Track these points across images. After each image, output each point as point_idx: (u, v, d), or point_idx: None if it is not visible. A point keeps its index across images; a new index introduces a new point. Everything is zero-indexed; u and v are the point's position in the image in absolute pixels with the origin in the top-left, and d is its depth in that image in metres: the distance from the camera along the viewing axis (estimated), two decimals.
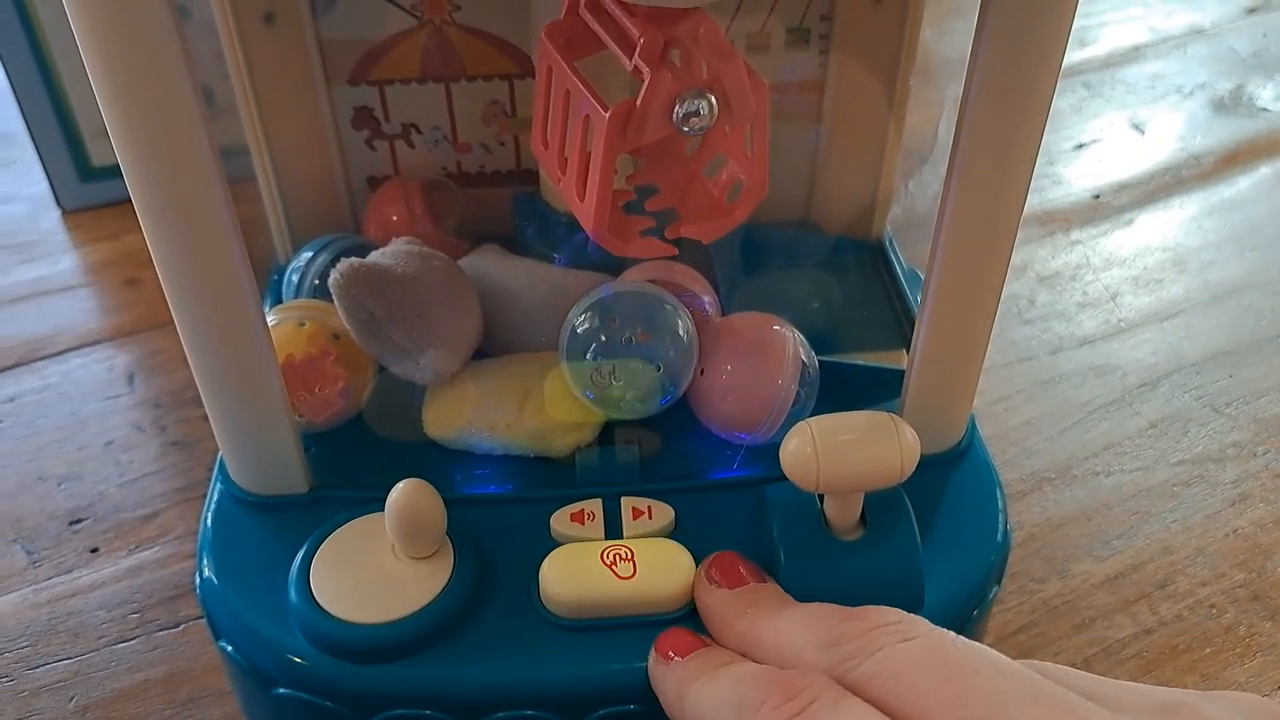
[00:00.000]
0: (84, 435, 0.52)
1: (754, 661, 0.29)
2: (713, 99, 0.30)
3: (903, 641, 0.27)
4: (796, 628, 0.29)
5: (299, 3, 0.41)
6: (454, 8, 0.42)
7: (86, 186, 0.65)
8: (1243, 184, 0.69)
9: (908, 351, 0.37)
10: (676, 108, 0.30)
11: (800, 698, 0.26)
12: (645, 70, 0.30)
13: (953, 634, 0.27)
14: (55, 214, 0.66)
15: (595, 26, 0.32)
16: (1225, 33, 0.84)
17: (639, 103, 0.30)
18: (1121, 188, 0.69)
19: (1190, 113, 0.75)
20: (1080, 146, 0.72)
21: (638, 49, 0.30)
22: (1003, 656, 0.26)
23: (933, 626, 0.27)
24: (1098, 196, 0.68)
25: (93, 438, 0.52)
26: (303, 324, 0.38)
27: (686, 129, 0.31)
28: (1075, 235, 0.65)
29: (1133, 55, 0.81)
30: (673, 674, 0.30)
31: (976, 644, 0.27)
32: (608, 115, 0.30)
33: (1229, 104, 0.76)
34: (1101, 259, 0.63)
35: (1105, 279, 0.62)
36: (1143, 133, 0.73)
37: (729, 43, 0.30)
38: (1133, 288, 0.61)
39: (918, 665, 0.26)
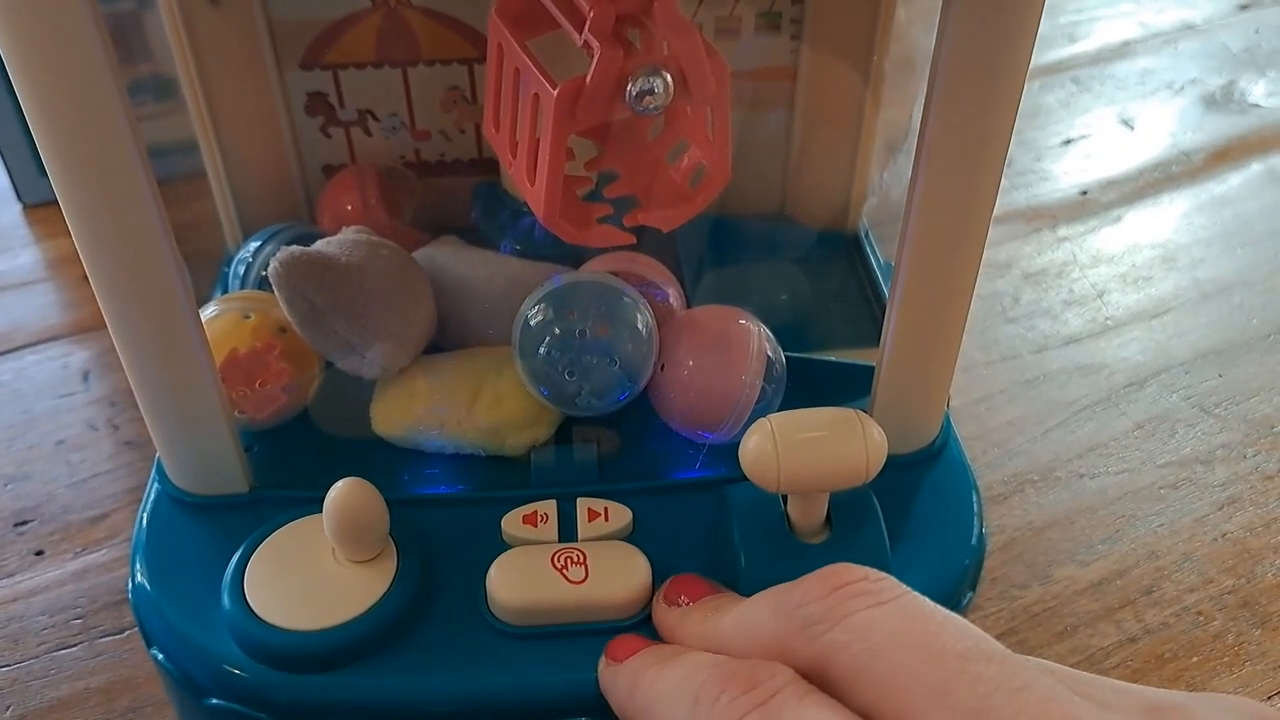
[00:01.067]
0: (35, 434, 0.50)
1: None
2: (668, 77, 0.29)
3: (875, 606, 0.24)
4: (756, 604, 0.27)
5: None
6: None
7: (47, 180, 0.63)
8: (1233, 181, 0.67)
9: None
10: (629, 86, 0.29)
11: (762, 688, 0.24)
12: (595, 45, 0.28)
13: (925, 600, 0.25)
14: (16, 208, 0.64)
15: (546, 1, 0.31)
16: (1216, 28, 0.82)
17: (588, 80, 0.28)
18: (1110, 184, 0.67)
19: (1181, 109, 0.74)
20: (1068, 142, 0.70)
21: (587, 23, 0.28)
22: (984, 634, 0.24)
23: (903, 588, 0.25)
24: (1085, 193, 0.66)
25: (43, 436, 0.50)
26: (247, 316, 0.36)
27: (641, 109, 0.29)
28: (1062, 232, 0.63)
29: (1123, 50, 0.80)
30: (624, 671, 0.28)
31: (954, 615, 0.24)
32: (555, 93, 0.29)
33: (1220, 100, 0.74)
34: (1089, 256, 0.61)
35: (1092, 276, 0.60)
36: (1132, 129, 0.72)
37: (686, 19, 0.29)
38: (1120, 285, 0.59)
39: (895, 640, 0.24)
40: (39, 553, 0.45)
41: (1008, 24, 0.27)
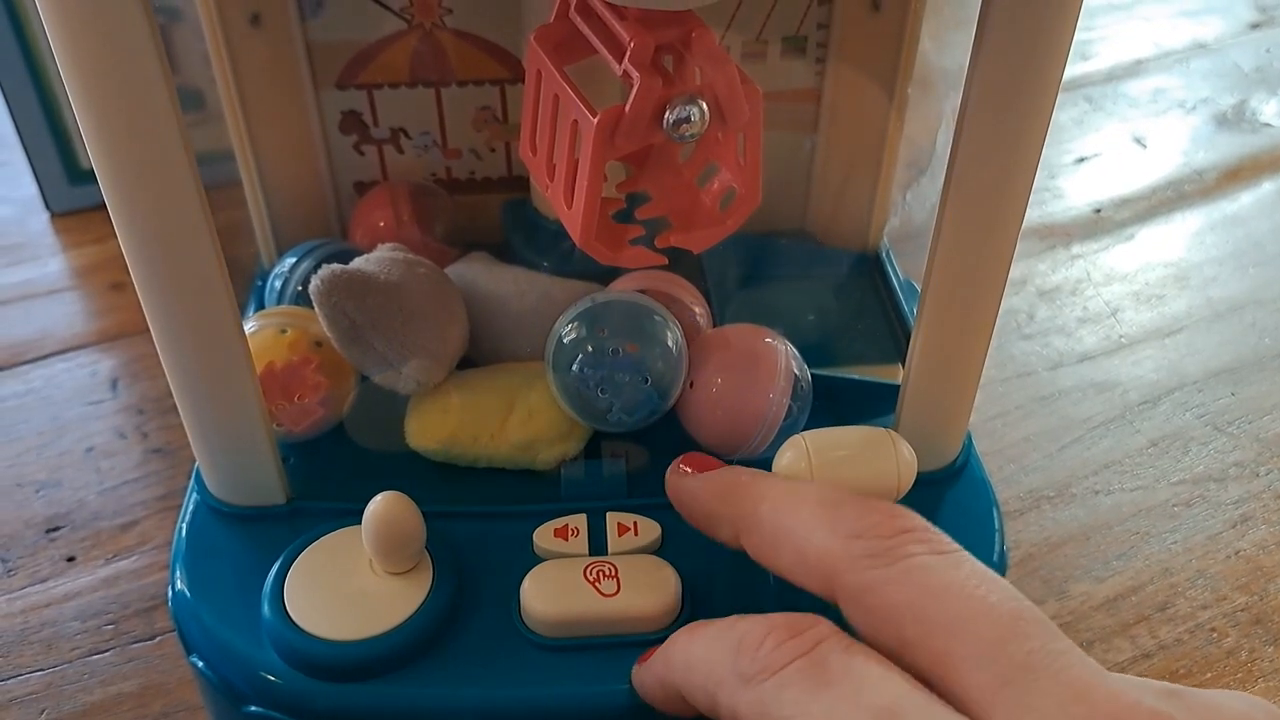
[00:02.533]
0: (65, 441, 0.51)
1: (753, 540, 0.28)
2: (704, 105, 0.30)
3: (934, 554, 0.25)
4: (809, 509, 0.27)
5: (286, 4, 0.40)
6: (445, 11, 0.41)
7: (75, 189, 0.64)
8: (1245, 199, 0.68)
9: (903, 365, 0.36)
10: (667, 114, 0.30)
11: (806, 636, 0.24)
12: (635, 75, 0.29)
13: (976, 559, 0.26)
14: (43, 216, 0.65)
15: (585, 30, 0.31)
16: (1228, 47, 0.83)
17: (628, 108, 0.29)
18: (1123, 202, 0.68)
19: (1192, 127, 0.74)
20: (1081, 160, 0.71)
21: (627, 53, 0.29)
22: (1026, 598, 0.25)
23: (956, 545, 0.26)
24: (1099, 210, 0.67)
25: (73, 443, 0.51)
26: (284, 331, 0.37)
27: (677, 136, 0.30)
28: (1076, 249, 0.64)
29: (1135, 69, 0.80)
30: (656, 654, 0.29)
31: (1000, 577, 0.25)
32: (596, 121, 0.29)
33: (1231, 119, 0.75)
34: (1102, 274, 0.62)
35: (1106, 294, 0.61)
36: (1144, 147, 0.73)
37: (722, 48, 0.30)
38: (1134, 303, 0.60)
39: (953, 589, 0.24)
40: (71, 559, 0.46)
41: (1039, 49, 0.28)
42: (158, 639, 0.43)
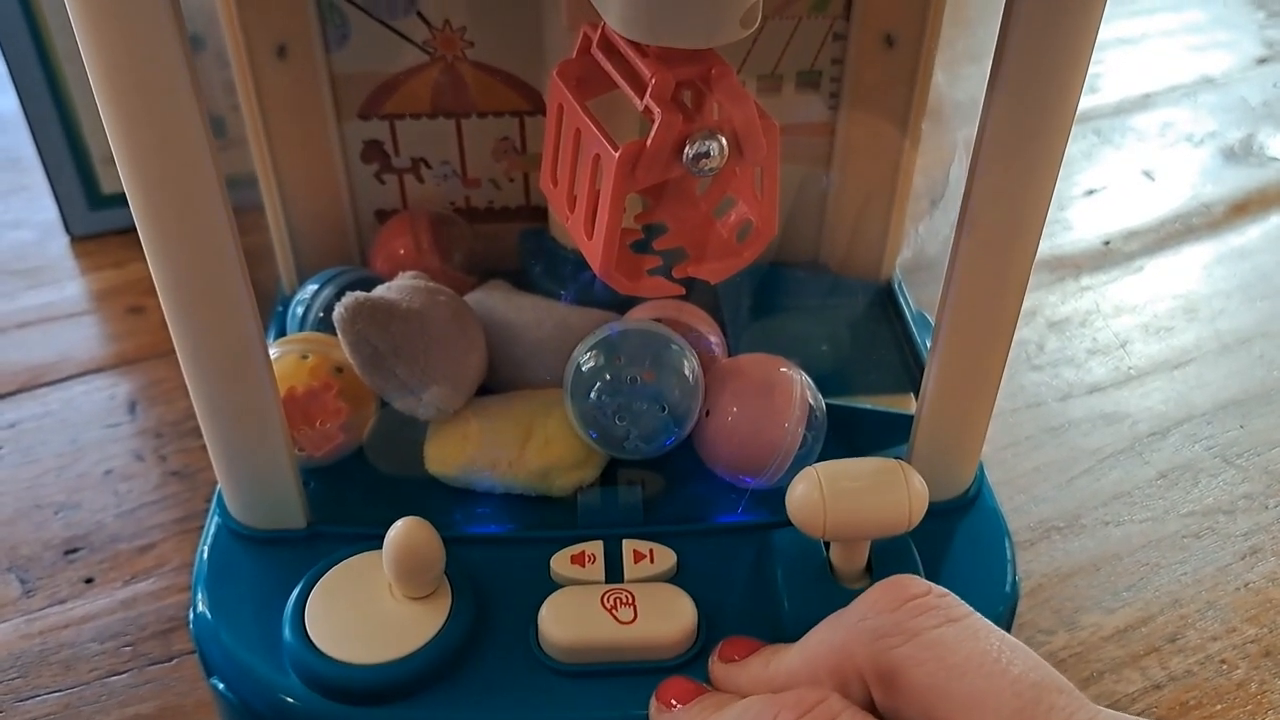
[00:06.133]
0: (83, 463, 0.51)
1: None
2: (723, 140, 0.30)
3: (947, 624, 0.25)
4: (817, 630, 0.28)
5: (311, 36, 0.41)
6: (467, 44, 0.42)
7: (95, 214, 0.65)
8: (1253, 233, 0.69)
9: (916, 396, 0.37)
10: (687, 148, 0.30)
11: (817, 712, 0.25)
12: (656, 111, 0.30)
13: (988, 621, 0.26)
14: (63, 240, 0.66)
15: (607, 66, 0.32)
16: (1235, 82, 0.84)
17: (649, 143, 0.30)
18: (1132, 234, 0.68)
19: (1201, 161, 0.75)
20: (1091, 193, 0.72)
21: (649, 89, 0.30)
22: (1047, 663, 0.25)
23: (967, 606, 0.26)
24: (1108, 243, 0.68)
25: (92, 466, 0.51)
26: (305, 357, 0.37)
27: (696, 170, 0.30)
28: (1085, 281, 0.64)
29: (1143, 102, 0.81)
30: (678, 717, 0.29)
31: (1016, 640, 0.25)
32: (617, 155, 0.30)
33: (1239, 153, 0.76)
34: (1111, 306, 0.63)
35: (1115, 326, 0.61)
36: (1153, 180, 0.73)
37: (740, 84, 0.30)
38: (1143, 335, 0.61)
39: (973, 662, 0.24)
40: (89, 580, 0.46)
41: (1054, 86, 0.29)
42: (175, 661, 0.43)
